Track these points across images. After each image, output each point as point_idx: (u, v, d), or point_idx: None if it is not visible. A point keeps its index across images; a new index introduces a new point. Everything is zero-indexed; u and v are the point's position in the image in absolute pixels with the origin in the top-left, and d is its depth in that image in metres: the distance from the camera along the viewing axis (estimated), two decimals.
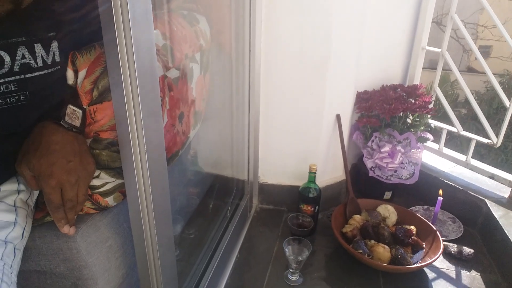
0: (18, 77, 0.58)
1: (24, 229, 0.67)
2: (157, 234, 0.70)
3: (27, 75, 0.58)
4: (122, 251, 0.80)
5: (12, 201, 0.67)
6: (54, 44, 0.61)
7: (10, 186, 0.68)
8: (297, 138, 1.44)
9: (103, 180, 0.72)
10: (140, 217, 0.68)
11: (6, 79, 0.57)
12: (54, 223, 0.69)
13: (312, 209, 1.36)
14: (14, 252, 0.65)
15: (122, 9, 0.54)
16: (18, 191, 0.68)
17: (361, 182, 1.55)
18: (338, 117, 1.43)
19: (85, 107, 0.64)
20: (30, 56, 0.58)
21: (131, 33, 0.55)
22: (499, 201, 1.40)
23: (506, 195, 1.42)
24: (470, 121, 4.77)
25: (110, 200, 0.75)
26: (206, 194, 1.32)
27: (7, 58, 0.56)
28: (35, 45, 0.58)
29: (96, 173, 0.71)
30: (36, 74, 0.59)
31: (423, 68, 1.64)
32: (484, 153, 4.73)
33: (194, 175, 1.27)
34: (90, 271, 0.72)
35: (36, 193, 0.73)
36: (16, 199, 0.67)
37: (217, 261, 1.14)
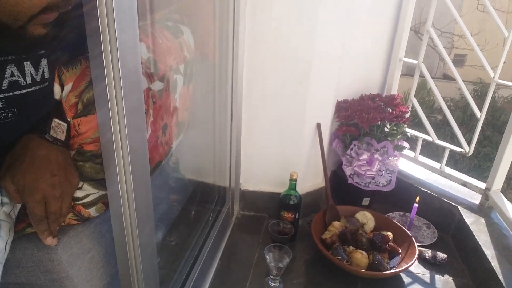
0: (6, 95, 0.57)
1: (6, 242, 0.66)
2: (140, 245, 0.71)
3: (15, 92, 0.58)
4: (104, 261, 0.80)
5: None
6: (44, 62, 0.61)
7: None
8: (278, 146, 1.47)
9: (86, 192, 0.72)
10: (123, 227, 0.68)
11: None
12: (35, 234, 0.69)
13: (293, 216, 1.39)
14: None
15: (108, 23, 0.54)
16: (2, 204, 0.68)
17: (340, 189, 1.59)
18: (318, 125, 1.46)
19: (69, 120, 0.64)
20: (19, 73, 0.57)
21: (117, 46, 0.56)
22: (470, 207, 1.46)
23: (477, 202, 1.49)
24: (445, 127, 4.92)
25: (92, 211, 0.75)
26: (187, 201, 1.32)
27: None
28: (25, 63, 0.58)
29: (79, 185, 0.71)
30: (24, 91, 0.59)
31: (400, 74, 1.70)
32: (458, 158, 4.88)
33: (175, 182, 1.27)
34: (72, 283, 0.72)
35: (18, 205, 0.72)
36: (0, 212, 0.67)
37: (199, 268, 1.14)
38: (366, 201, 1.60)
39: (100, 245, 0.79)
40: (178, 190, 1.31)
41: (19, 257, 0.71)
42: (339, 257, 1.24)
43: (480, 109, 1.44)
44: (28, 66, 0.59)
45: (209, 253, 1.24)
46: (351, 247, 1.30)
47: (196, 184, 1.40)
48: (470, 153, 1.52)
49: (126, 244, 0.70)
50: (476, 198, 1.50)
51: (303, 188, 1.50)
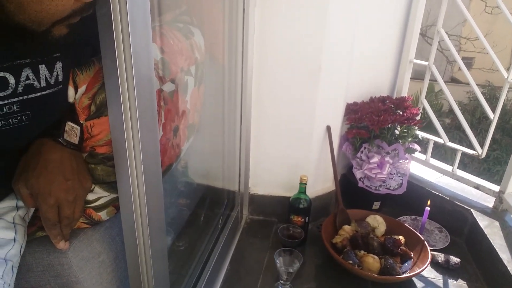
0: (21, 98, 0.57)
1: (21, 246, 0.66)
2: (152, 249, 0.70)
3: (30, 96, 0.57)
4: (115, 265, 0.79)
5: (11, 217, 0.66)
6: (58, 65, 0.60)
7: (9, 202, 0.67)
8: (288, 149, 1.45)
9: (97, 195, 0.71)
10: (134, 231, 0.67)
11: (9, 100, 0.56)
12: (45, 238, 0.69)
13: (303, 220, 1.37)
14: (12, 270, 0.64)
15: (122, 24, 0.54)
16: (17, 208, 0.67)
17: (350, 192, 1.57)
18: (328, 128, 1.44)
19: (82, 122, 0.64)
20: (34, 77, 0.57)
21: (130, 47, 0.55)
22: (484, 211, 1.43)
23: (491, 205, 1.46)
24: (454, 131, 4.87)
25: (103, 215, 0.74)
26: (196, 206, 1.31)
27: (11, 80, 0.55)
28: (40, 66, 0.58)
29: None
30: (39, 94, 0.58)
31: None
32: (467, 162, 4.83)
33: (185, 186, 1.26)
34: (82, 287, 0.71)
35: (32, 209, 0.72)
36: (15, 216, 0.67)
37: (208, 273, 1.13)
38: (376, 205, 1.58)
39: (110, 249, 0.78)
40: (187, 194, 1.30)
41: (29, 261, 0.70)
42: (350, 262, 1.22)
43: (491, 111, 1.42)
44: (43, 69, 0.58)
45: (219, 258, 1.23)
46: (362, 251, 1.28)
47: (205, 188, 1.39)
48: (483, 155, 1.49)
49: (137, 248, 0.69)
50: (489, 201, 1.47)
51: (312, 191, 1.48)
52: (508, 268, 1.15)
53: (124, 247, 0.69)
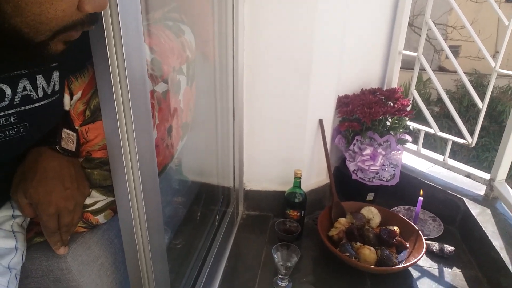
0: (18, 109, 0.56)
1: (23, 254, 0.66)
2: (151, 249, 0.70)
3: (27, 107, 0.56)
4: (114, 268, 0.79)
5: (9, 226, 0.66)
6: (56, 74, 0.59)
7: (5, 212, 0.67)
8: (281, 144, 1.46)
9: (94, 199, 0.70)
10: (133, 233, 0.67)
11: (6, 112, 0.55)
12: (43, 243, 0.69)
13: (298, 214, 1.38)
14: (16, 278, 0.64)
15: (113, 25, 0.53)
16: (13, 217, 0.67)
17: (344, 185, 1.58)
18: (320, 121, 1.45)
19: (77, 127, 0.63)
20: (31, 87, 0.56)
21: (122, 48, 0.54)
22: (475, 199, 1.46)
23: (482, 193, 1.49)
24: (442, 119, 4.93)
25: (100, 218, 0.74)
26: (192, 203, 1.31)
27: (8, 91, 0.54)
28: (37, 76, 0.56)
29: None
30: (36, 105, 0.57)
31: None
32: (456, 149, 4.89)
33: (180, 184, 1.26)
34: None
35: None
36: (13, 224, 0.66)
37: (207, 271, 1.13)
38: (370, 196, 1.60)
39: (109, 252, 0.78)
40: (183, 192, 1.29)
41: (27, 267, 0.70)
42: (347, 254, 1.23)
43: (480, 101, 1.44)
44: (40, 79, 0.57)
45: (217, 255, 1.23)
46: (358, 243, 1.29)
47: (200, 186, 1.39)
48: (473, 144, 1.52)
49: (136, 249, 0.69)
50: (480, 189, 1.50)
51: (307, 185, 1.49)
52: (501, 254, 1.17)
53: (123, 249, 0.69)
